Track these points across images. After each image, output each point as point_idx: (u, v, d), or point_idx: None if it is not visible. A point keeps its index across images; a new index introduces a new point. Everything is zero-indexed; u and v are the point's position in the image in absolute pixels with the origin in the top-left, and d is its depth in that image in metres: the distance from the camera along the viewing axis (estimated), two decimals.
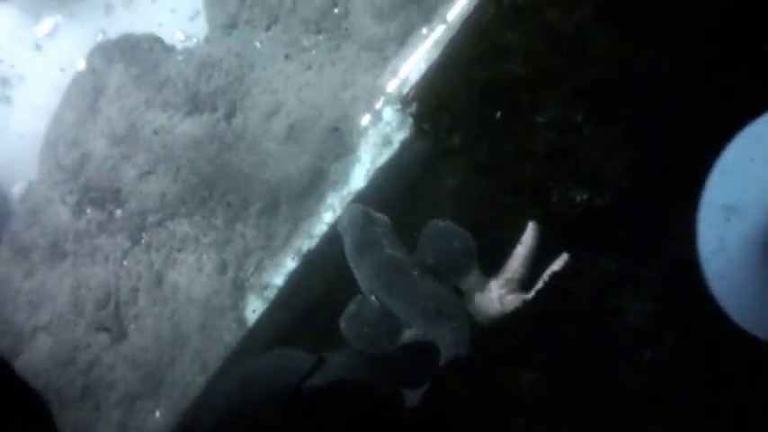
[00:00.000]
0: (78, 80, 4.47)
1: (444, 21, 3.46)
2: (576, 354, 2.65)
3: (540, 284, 2.68)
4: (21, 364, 4.15)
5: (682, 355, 2.40)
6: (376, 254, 2.76)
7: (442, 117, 3.07)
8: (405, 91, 3.40)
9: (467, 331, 2.60)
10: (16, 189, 4.80)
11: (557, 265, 2.65)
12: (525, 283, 2.74)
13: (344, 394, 2.27)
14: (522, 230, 2.80)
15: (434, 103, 3.12)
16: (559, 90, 2.81)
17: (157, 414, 3.68)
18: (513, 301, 2.68)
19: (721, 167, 1.61)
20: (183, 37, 4.46)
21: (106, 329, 3.90)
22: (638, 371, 2.49)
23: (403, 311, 2.72)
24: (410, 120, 3.33)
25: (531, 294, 2.66)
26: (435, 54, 3.37)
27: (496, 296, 2.72)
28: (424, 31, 3.50)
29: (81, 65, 4.59)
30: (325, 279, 3.29)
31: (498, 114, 2.88)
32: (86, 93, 4.33)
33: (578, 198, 2.77)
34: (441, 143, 3.07)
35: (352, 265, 2.84)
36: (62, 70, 4.82)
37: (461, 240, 2.78)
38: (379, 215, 2.95)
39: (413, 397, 2.41)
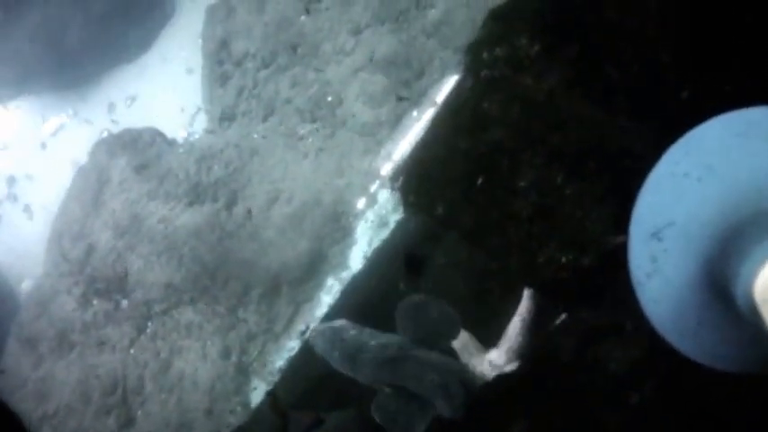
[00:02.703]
0: (82, 174, 4.59)
1: (434, 103, 3.58)
2: (565, 401, 2.69)
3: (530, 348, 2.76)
4: None
5: (667, 397, 2.44)
6: (368, 352, 2.86)
7: (426, 187, 3.14)
8: (399, 172, 3.49)
9: (462, 400, 2.70)
10: (24, 285, 4.89)
11: (552, 326, 2.72)
12: (525, 350, 2.81)
13: None
14: (512, 295, 2.88)
15: (419, 174, 3.19)
16: (538, 153, 2.88)
17: None
18: (511, 368, 2.76)
19: (653, 183, 1.51)
20: (185, 133, 4.60)
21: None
22: (625, 414, 2.53)
23: (413, 387, 2.81)
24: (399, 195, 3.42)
25: (524, 359, 2.74)
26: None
27: (495, 365, 2.80)
28: (415, 113, 3.63)
29: (85, 160, 4.71)
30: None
31: (480, 181, 2.94)
32: (90, 186, 4.45)
33: (564, 259, 2.82)
34: (426, 213, 3.14)
35: (349, 373, 2.92)
36: (68, 166, 4.94)
37: (439, 310, 2.90)
38: (338, 323, 3.09)
39: None
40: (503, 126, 2.92)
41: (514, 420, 2.68)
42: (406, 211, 3.34)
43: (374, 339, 2.93)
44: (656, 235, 1.38)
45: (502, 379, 2.71)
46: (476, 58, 3.03)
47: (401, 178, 3.34)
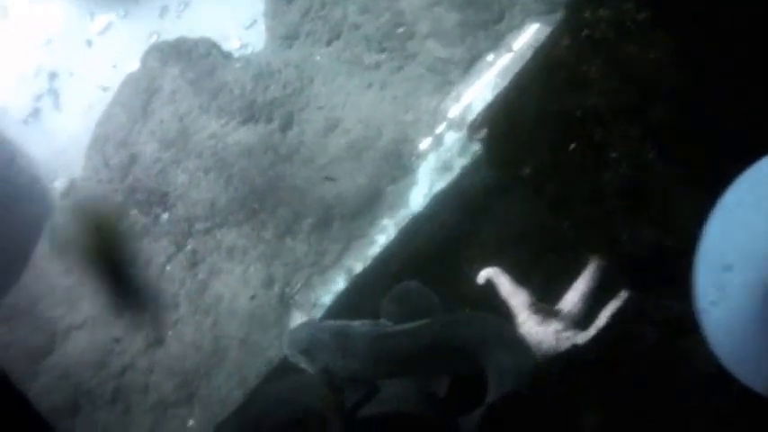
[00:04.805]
0: (131, 80, 4.42)
1: (510, 49, 3.41)
2: (643, 398, 2.56)
3: (598, 324, 2.61)
4: (52, 362, 4.10)
5: (751, 401, 2.32)
6: (360, 328, 2.70)
7: (512, 146, 3.00)
8: (469, 117, 3.34)
9: (530, 362, 2.53)
10: (58, 184, 4.77)
11: (617, 304, 2.58)
12: (582, 320, 2.67)
13: (400, 425, 2.21)
14: (584, 266, 2.75)
15: (505, 131, 3.05)
16: (633, 126, 2.74)
17: (190, 423, 3.61)
18: (568, 338, 2.61)
19: (721, 213, 1.47)
20: (238, 44, 4.42)
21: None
22: (708, 418, 2.40)
23: (433, 349, 2.62)
24: (474, 146, 3.27)
25: (589, 335, 2.59)
26: (501, 82, 3.33)
27: (552, 330, 2.65)
28: (491, 57, 3.46)
29: (133, 65, 4.55)
30: (375, 301, 3.20)
31: (571, 147, 2.80)
32: (139, 93, 4.29)
33: (647, 238, 2.70)
34: (510, 172, 3.00)
35: (339, 360, 2.71)
36: (114, 68, 4.79)
37: (419, 292, 2.77)
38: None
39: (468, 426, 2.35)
40: (599, 93, 2.77)
41: (585, 412, 2.54)
42: (485, 166, 3.19)
43: (358, 323, 2.77)
44: (723, 264, 1.34)
45: (572, 363, 2.56)
46: (576, 17, 2.86)
47: (484, 131, 3.19)
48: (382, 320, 2.78)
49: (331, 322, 2.86)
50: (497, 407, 2.41)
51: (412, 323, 2.66)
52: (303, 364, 2.79)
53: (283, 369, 3.38)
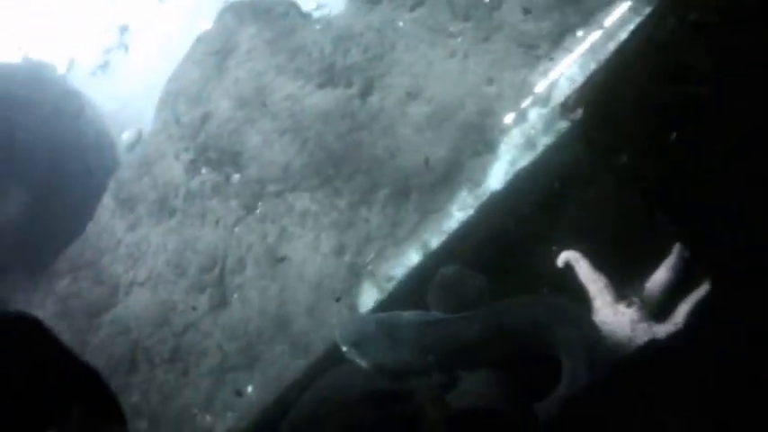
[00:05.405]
0: (205, 37, 4.35)
1: (602, 26, 3.28)
2: (722, 400, 2.44)
3: (677, 318, 2.49)
4: (112, 317, 4.06)
5: None
6: (407, 318, 2.56)
7: (609, 130, 2.87)
8: (555, 93, 3.23)
9: (599, 340, 2.40)
10: (125, 137, 4.73)
11: (698, 299, 2.45)
12: (660, 312, 2.55)
13: (481, 420, 2.12)
14: (667, 257, 2.62)
15: (602, 114, 2.92)
16: (743, 119, 2.60)
17: (249, 389, 3.54)
18: (645, 330, 2.48)
19: None
20: (315, 5, 4.34)
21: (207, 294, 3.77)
22: None
23: (504, 335, 2.49)
24: (559, 124, 3.15)
25: (668, 329, 2.47)
26: (590, 60, 3.20)
27: (628, 320, 2.53)
28: (580, 33, 3.33)
29: (206, 22, 4.49)
30: None
31: (674, 137, 2.67)
32: (214, 51, 4.21)
33: (740, 235, 2.57)
34: (604, 157, 2.87)
35: (387, 349, 2.57)
36: (186, 24, 4.74)
37: (472, 281, 2.63)
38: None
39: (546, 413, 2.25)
40: (706, 81, 2.63)
41: (667, 415, 2.42)
42: (575, 147, 3.06)
43: (408, 313, 2.64)
44: None
45: (646, 353, 2.44)
46: None
47: (579, 110, 3.06)
48: (433, 312, 2.65)
49: (379, 314, 2.76)
50: (571, 400, 2.30)
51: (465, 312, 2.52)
52: (357, 358, 2.68)
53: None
